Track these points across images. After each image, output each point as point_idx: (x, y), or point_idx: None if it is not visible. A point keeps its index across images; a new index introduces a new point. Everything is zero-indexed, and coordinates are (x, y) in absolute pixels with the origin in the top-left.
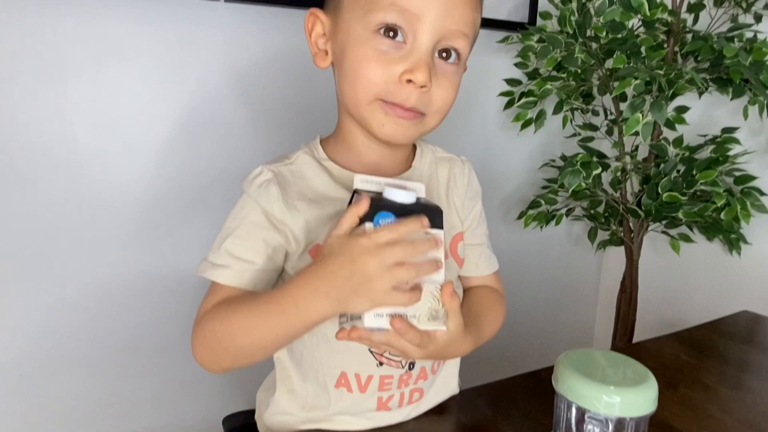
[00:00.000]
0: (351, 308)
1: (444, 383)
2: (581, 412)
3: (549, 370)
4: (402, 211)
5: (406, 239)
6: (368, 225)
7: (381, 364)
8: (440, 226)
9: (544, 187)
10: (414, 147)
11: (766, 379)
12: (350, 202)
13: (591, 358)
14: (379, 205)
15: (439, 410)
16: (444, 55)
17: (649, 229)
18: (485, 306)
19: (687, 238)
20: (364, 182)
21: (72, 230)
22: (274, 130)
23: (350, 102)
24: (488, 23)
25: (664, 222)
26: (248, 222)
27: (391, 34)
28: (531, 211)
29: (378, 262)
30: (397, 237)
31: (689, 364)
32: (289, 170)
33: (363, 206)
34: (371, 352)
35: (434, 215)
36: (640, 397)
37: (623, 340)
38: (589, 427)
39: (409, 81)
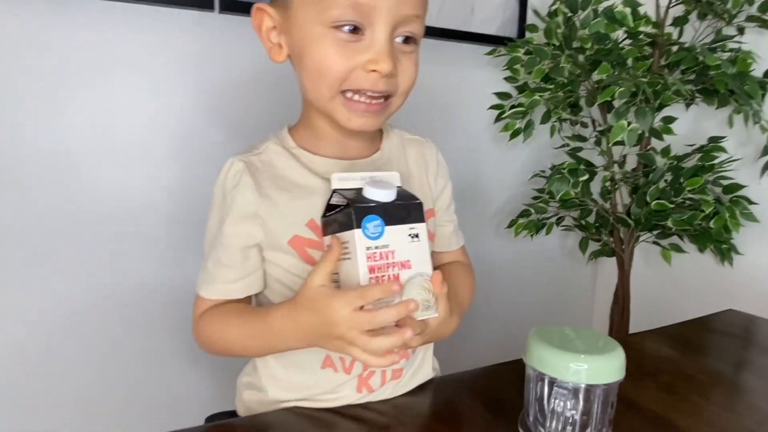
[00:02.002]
0: (331, 351)
1: (421, 365)
2: (551, 383)
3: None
4: (385, 211)
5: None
6: (357, 232)
7: None
8: (422, 219)
9: (534, 198)
10: (380, 130)
11: (750, 371)
12: (329, 200)
13: (561, 333)
14: (363, 208)
15: (420, 391)
16: (402, 38)
17: (640, 239)
18: (461, 280)
19: (678, 249)
20: (342, 181)
21: (71, 234)
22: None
23: (313, 97)
24: (478, 38)
25: (655, 232)
26: (226, 233)
27: (348, 28)
28: (521, 220)
29: (355, 333)
30: (371, 299)
31: (670, 356)
32: (259, 160)
33: (336, 253)
34: None
35: (415, 209)
36: (608, 364)
37: None
38: (558, 399)
39: (374, 70)
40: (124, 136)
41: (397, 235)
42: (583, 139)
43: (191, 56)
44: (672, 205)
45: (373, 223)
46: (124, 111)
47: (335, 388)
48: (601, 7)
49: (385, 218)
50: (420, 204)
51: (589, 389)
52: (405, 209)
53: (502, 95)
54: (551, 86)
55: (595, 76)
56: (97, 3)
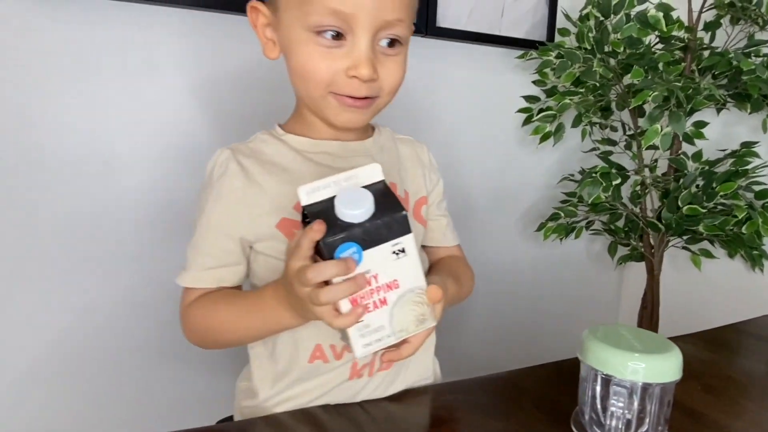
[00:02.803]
0: (302, 314)
1: (417, 358)
2: (607, 382)
3: (562, 362)
4: (361, 233)
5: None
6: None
7: None
8: (407, 230)
9: (563, 201)
10: (372, 127)
11: None
12: (302, 220)
13: (616, 332)
14: (334, 241)
15: (471, 387)
16: (385, 41)
17: (670, 244)
18: (460, 270)
19: (708, 254)
20: (311, 194)
21: (87, 236)
22: None
23: (304, 95)
24: (507, 41)
25: (684, 237)
26: (210, 220)
27: (330, 34)
28: (550, 224)
29: (305, 290)
30: (329, 276)
31: (711, 358)
32: (247, 147)
33: (317, 231)
34: None
35: (398, 221)
36: (666, 364)
37: None
38: (616, 398)
39: (355, 76)
40: (129, 137)
41: (378, 256)
42: (613, 142)
43: (193, 55)
44: (704, 210)
45: (348, 252)
46: (151, 110)
47: (325, 375)
48: (634, 11)
49: (362, 242)
50: (403, 211)
51: (647, 388)
52: (385, 225)
53: (530, 98)
54: (581, 90)
55: (626, 79)
56: (132, 6)
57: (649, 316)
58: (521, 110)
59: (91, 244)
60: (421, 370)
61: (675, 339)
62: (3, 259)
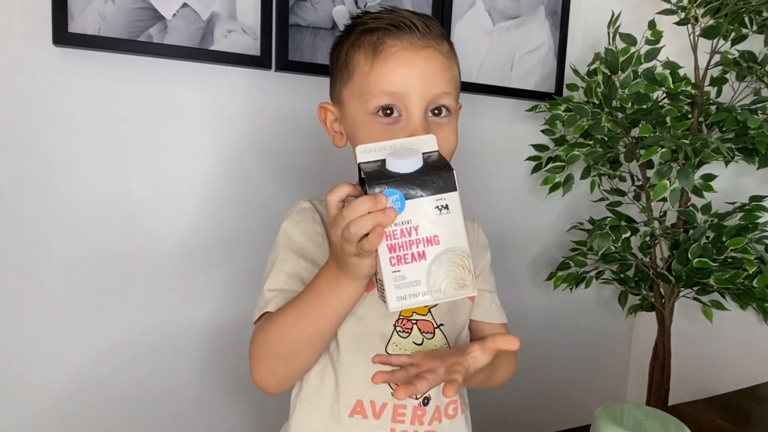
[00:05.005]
0: (350, 272)
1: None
2: None
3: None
4: (406, 183)
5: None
6: None
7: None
8: (453, 188)
9: (572, 250)
10: None
11: None
12: (359, 175)
13: (629, 412)
14: (378, 183)
15: None
16: (436, 112)
17: (681, 295)
18: (499, 359)
19: (720, 306)
20: (366, 152)
21: (131, 274)
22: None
23: None
24: (517, 93)
25: (695, 288)
26: (286, 251)
27: (388, 112)
28: (560, 273)
29: (340, 239)
30: (361, 211)
31: (726, 428)
32: (322, 204)
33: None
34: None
35: (444, 178)
36: None
37: (657, 407)
38: None
39: None
40: (184, 186)
41: (420, 208)
42: (622, 193)
43: (248, 110)
44: (714, 264)
45: (391, 198)
46: (183, 163)
47: None
48: (641, 68)
49: (405, 191)
50: (450, 171)
51: None
52: (431, 179)
53: (539, 147)
54: (590, 142)
55: (634, 132)
56: (162, 62)
57: (660, 366)
58: (530, 158)
59: (122, 284)
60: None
61: (687, 405)
62: (34, 297)
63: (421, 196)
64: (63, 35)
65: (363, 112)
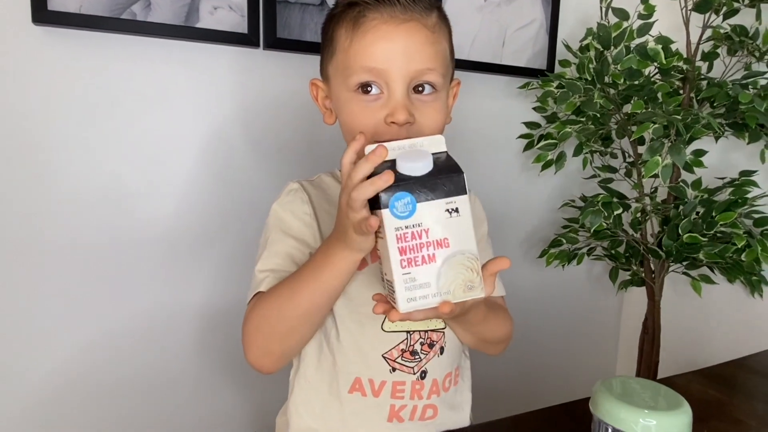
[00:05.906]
0: (349, 243)
1: (457, 412)
2: None
3: (570, 405)
4: (417, 186)
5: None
6: (385, 212)
7: (394, 370)
8: (463, 191)
9: (564, 227)
10: None
11: None
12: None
13: (628, 385)
14: (390, 186)
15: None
16: (420, 89)
17: (670, 269)
18: (497, 310)
19: (708, 280)
20: None
21: (125, 258)
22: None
23: None
24: (509, 70)
25: (685, 263)
26: (277, 232)
27: (369, 89)
28: (552, 250)
29: (345, 205)
30: (365, 171)
31: (717, 398)
32: (311, 184)
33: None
34: (384, 358)
35: (454, 182)
36: (676, 420)
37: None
38: None
39: (393, 122)
40: (171, 168)
41: (431, 211)
42: (613, 170)
43: (236, 90)
44: (704, 239)
45: (402, 201)
46: (169, 145)
47: (363, 411)
48: (633, 44)
49: (416, 194)
50: (461, 174)
51: None
52: (441, 182)
53: (531, 125)
54: (582, 118)
55: (626, 108)
56: (146, 40)
57: (650, 340)
58: (522, 136)
59: (113, 269)
60: (464, 419)
61: (679, 376)
62: (23, 286)
63: (432, 199)
64: (42, 13)
65: (345, 89)
